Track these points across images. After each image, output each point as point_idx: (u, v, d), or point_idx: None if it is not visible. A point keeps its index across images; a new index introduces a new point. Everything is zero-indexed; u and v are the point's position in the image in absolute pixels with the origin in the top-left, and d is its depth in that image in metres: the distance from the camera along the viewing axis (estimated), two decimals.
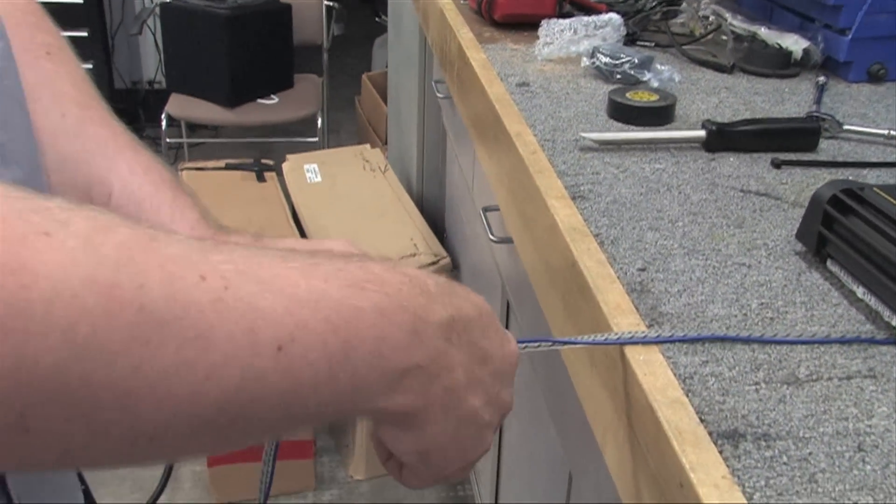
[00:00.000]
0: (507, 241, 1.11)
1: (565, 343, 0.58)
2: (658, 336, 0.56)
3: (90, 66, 3.15)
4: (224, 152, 3.13)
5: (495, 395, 0.50)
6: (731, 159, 0.85)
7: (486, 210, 1.24)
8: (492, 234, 1.20)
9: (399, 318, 0.42)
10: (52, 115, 0.61)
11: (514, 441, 1.41)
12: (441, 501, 2.03)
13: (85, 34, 3.10)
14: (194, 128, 3.17)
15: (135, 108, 3.59)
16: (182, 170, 2.17)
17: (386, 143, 2.72)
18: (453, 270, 1.90)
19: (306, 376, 0.38)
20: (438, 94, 1.70)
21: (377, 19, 3.76)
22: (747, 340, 0.56)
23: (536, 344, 0.57)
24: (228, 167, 2.18)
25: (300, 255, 0.41)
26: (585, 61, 1.05)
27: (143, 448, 0.34)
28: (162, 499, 2.04)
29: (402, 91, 2.33)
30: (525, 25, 1.24)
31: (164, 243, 0.35)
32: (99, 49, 3.14)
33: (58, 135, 0.61)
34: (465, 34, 1.25)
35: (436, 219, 2.10)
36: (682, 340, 0.56)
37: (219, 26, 2.58)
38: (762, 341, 0.56)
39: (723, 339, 0.56)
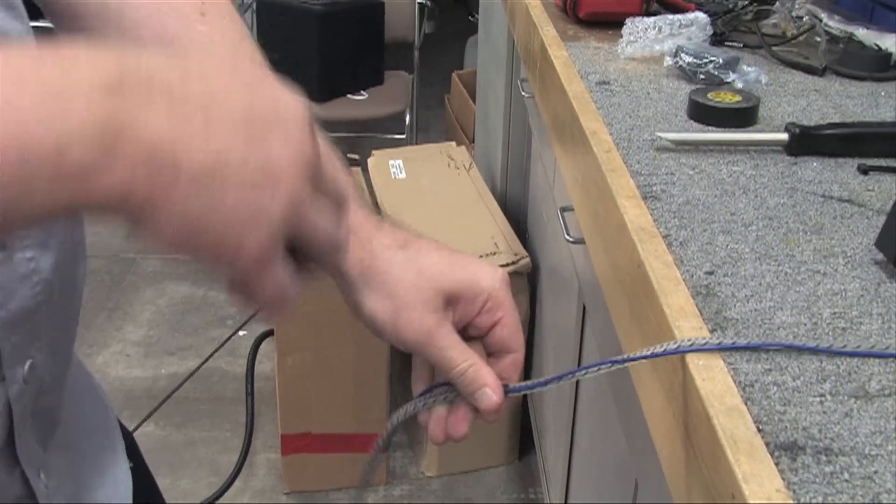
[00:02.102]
0: (582, 241, 1.09)
1: (559, 379, 0.58)
2: (706, 343, 0.54)
3: None
4: None
5: (249, 134, 0.40)
6: (815, 164, 0.82)
7: (563, 210, 1.22)
8: (568, 235, 1.18)
9: (94, 66, 0.37)
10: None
11: (584, 445, 1.39)
12: (511, 502, 2.02)
13: None
14: None
15: None
16: None
17: (473, 142, 2.72)
18: (533, 271, 1.88)
19: None
20: (524, 93, 1.68)
21: (470, 18, 3.76)
22: (803, 349, 0.54)
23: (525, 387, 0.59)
24: None
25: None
26: (668, 60, 1.03)
27: None
28: (236, 484, 2.07)
29: (490, 90, 2.33)
30: (610, 24, 1.22)
31: None
32: None
33: None
34: (548, 32, 1.23)
35: (518, 219, 2.09)
36: (733, 349, 0.54)
37: (312, 21, 2.61)
38: (829, 352, 0.54)
39: (774, 348, 0.54)
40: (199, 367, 2.39)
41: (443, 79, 3.68)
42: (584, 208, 0.89)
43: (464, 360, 0.58)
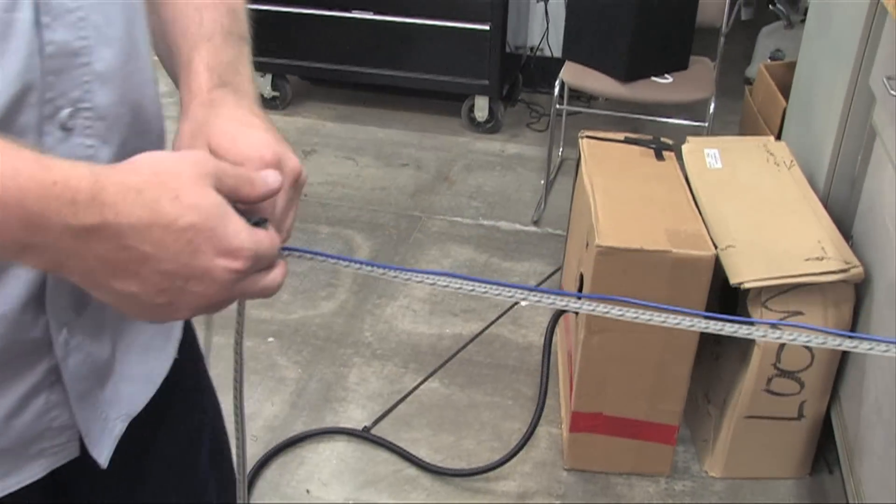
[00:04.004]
0: None
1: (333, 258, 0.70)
2: None
3: (487, 27, 3.27)
4: (597, 124, 3.15)
5: (166, 286, 0.57)
6: None
7: None
8: None
9: (12, 210, 0.51)
10: None
11: None
12: None
13: None
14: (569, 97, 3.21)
15: (515, 73, 3.70)
16: (583, 137, 2.20)
17: (778, 138, 2.59)
18: (865, 282, 1.77)
19: None
20: (892, 92, 1.57)
21: (770, 6, 3.58)
22: None
23: (299, 254, 0.68)
24: (627, 141, 2.18)
25: None
26: None
27: None
28: (519, 453, 2.09)
29: (819, 84, 2.20)
30: None
31: None
32: (499, 14, 3.25)
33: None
34: None
35: (841, 224, 1.97)
36: None
37: (630, 1, 2.58)
38: None
39: None
40: (482, 331, 2.44)
41: (728, 68, 3.53)
42: None
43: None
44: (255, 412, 2.15)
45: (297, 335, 2.41)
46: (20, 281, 0.63)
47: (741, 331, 0.73)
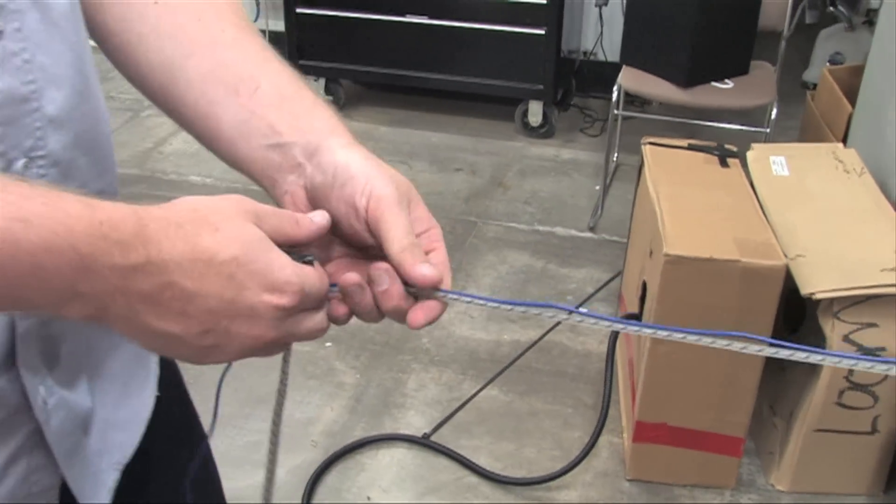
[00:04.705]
0: None
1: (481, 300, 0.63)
2: None
3: (542, 31, 3.25)
4: (651, 130, 3.12)
5: (211, 326, 0.55)
6: None
7: None
8: None
9: (65, 255, 0.49)
10: (213, 29, 0.69)
11: None
12: None
13: (544, 1, 3.21)
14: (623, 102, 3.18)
15: (569, 77, 3.68)
16: (645, 144, 2.17)
17: (844, 144, 2.54)
18: None
19: None
20: None
21: (831, 8, 3.52)
22: None
23: (450, 295, 0.63)
24: (691, 147, 2.15)
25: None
26: None
27: None
28: (581, 463, 2.07)
29: (892, 89, 2.16)
30: None
31: None
32: (553, 17, 3.23)
33: (216, 44, 0.69)
34: None
35: None
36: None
37: (691, 5, 2.54)
38: None
39: None
40: (540, 338, 2.42)
41: (785, 72, 3.48)
42: None
43: (411, 234, 0.64)
44: (314, 417, 2.15)
45: (354, 340, 2.41)
46: None
47: (813, 357, 0.67)
